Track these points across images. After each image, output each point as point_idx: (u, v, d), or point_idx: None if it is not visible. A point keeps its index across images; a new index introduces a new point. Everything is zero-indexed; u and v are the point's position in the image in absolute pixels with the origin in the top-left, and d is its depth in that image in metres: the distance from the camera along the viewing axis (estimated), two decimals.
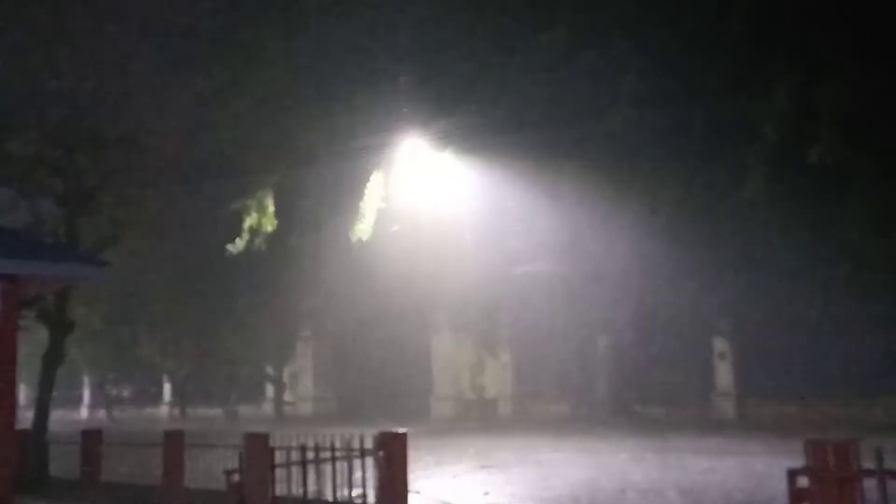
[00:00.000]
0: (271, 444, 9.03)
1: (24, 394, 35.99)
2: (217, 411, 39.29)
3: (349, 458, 8.71)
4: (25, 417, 17.09)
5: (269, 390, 39.51)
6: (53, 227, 16.71)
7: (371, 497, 8.71)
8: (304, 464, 8.73)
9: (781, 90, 15.39)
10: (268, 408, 38.79)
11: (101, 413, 44.64)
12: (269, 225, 20.14)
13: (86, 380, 47.36)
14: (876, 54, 14.48)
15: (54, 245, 14.93)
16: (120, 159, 17.19)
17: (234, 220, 20.62)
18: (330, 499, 8.93)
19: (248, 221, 20.09)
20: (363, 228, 19.30)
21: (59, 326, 16.45)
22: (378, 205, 19.35)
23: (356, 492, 8.76)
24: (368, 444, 8.66)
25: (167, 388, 43.97)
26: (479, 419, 29.38)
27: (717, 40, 16.11)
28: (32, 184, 16.93)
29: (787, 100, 15.38)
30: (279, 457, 8.88)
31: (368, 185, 19.10)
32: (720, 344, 25.72)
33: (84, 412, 47.66)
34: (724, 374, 25.70)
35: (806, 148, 15.43)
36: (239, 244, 20.44)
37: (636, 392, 26.54)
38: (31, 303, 14.74)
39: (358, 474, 8.67)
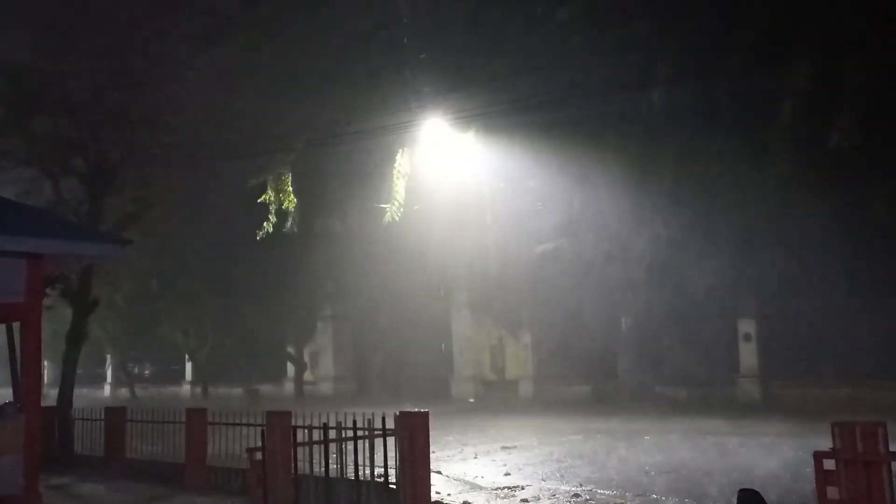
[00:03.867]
0: (293, 422, 9.03)
1: (48, 371, 36.47)
2: (238, 390, 39.58)
3: (371, 438, 8.69)
4: (50, 395, 17.28)
5: (290, 370, 39.74)
6: (76, 206, 16.79)
7: (393, 476, 8.69)
8: (325, 443, 8.71)
9: (802, 67, 15.14)
10: (288, 387, 39.02)
11: (124, 391, 45.15)
12: (289, 203, 20.10)
13: (108, 358, 47.90)
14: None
15: (77, 224, 15.00)
16: (142, 138, 17.23)
17: (256, 198, 20.63)
18: (352, 477, 8.93)
19: (265, 197, 20.06)
20: (395, 209, 19.20)
21: (83, 305, 16.57)
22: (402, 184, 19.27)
23: (378, 471, 8.74)
24: (390, 424, 8.63)
25: (189, 367, 44.35)
26: (499, 400, 29.36)
27: (742, 18, 15.85)
28: (56, 163, 17.00)
29: (807, 78, 15.12)
30: (301, 435, 8.87)
31: (395, 165, 18.99)
32: (745, 325, 25.44)
33: (107, 390, 48.26)
34: (748, 356, 25.41)
35: (824, 129, 15.19)
36: (266, 227, 20.44)
37: (659, 373, 26.36)
38: (55, 281, 14.85)
39: (380, 453, 8.64)
